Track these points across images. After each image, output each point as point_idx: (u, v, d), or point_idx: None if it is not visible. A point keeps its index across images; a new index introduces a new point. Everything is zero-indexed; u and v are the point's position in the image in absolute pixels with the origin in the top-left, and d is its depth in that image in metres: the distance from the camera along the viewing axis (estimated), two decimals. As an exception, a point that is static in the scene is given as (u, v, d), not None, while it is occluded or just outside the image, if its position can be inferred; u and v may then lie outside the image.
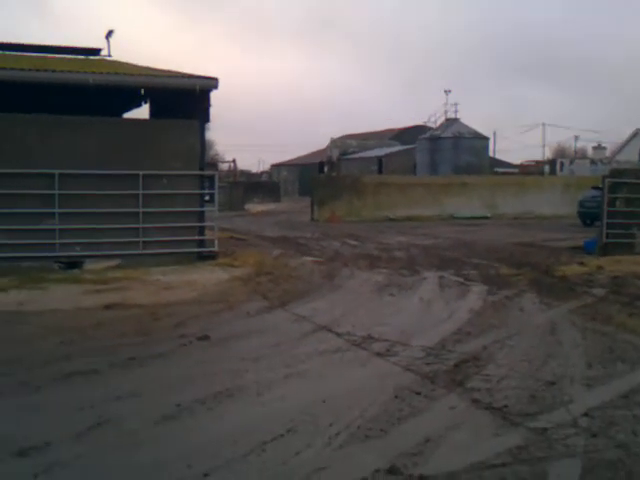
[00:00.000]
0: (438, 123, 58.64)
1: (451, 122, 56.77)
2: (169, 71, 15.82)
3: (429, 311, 10.27)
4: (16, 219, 13.13)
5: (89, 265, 13.54)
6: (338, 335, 8.56)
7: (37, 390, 6.30)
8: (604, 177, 18.70)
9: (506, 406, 5.89)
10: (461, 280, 13.07)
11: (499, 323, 9.32)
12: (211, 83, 14.71)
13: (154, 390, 6.42)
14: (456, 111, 57.42)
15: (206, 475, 4.51)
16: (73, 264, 13.50)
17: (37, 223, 13.36)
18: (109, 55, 20.66)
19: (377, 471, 4.58)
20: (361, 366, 7.25)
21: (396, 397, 6.13)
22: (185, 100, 14.84)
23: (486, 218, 34.93)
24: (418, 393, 6.25)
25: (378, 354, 7.67)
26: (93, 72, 14.16)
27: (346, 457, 4.86)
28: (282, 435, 5.21)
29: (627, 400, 6.11)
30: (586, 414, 5.70)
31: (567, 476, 4.61)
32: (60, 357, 7.40)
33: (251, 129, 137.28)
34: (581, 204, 29.83)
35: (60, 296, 10.99)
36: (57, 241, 13.46)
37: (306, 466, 4.68)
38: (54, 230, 13.40)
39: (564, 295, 11.46)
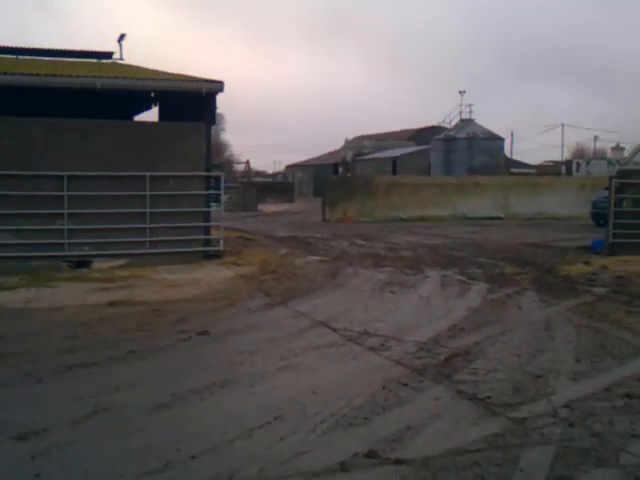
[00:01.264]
0: (453, 124, 58.80)
1: (466, 123, 56.89)
2: (176, 75, 16.13)
3: (427, 308, 10.45)
4: (26, 219, 13.48)
5: (97, 264, 13.85)
6: (335, 330, 8.79)
7: (39, 381, 6.58)
8: (611, 178, 18.78)
9: (489, 397, 6.09)
10: (464, 279, 13.22)
11: (495, 320, 9.49)
12: (217, 86, 15.01)
13: (151, 381, 6.69)
14: (471, 112, 57.56)
15: (193, 457, 4.76)
16: (82, 263, 13.82)
17: (47, 223, 13.70)
18: (121, 58, 21.07)
19: (356, 455, 4.81)
20: (353, 360, 7.47)
21: (383, 388, 6.35)
22: (192, 103, 15.14)
23: (499, 219, 34.93)
24: (405, 385, 6.47)
25: (371, 349, 7.89)
26: (101, 76, 14.44)
27: (328, 442, 5.09)
28: (269, 422, 5.45)
29: (609, 393, 6.28)
30: (567, 405, 5.88)
31: (538, 461, 4.78)
32: (63, 350, 7.69)
33: (267, 130, 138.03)
34: (594, 205, 29.78)
35: (67, 294, 11.31)
36: (66, 241, 13.81)
37: (289, 450, 4.91)
38: (63, 230, 13.76)
39: (564, 294, 11.60)
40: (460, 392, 6.26)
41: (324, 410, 5.71)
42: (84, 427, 5.38)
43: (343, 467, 4.63)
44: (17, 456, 4.83)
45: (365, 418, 5.57)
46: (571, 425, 5.42)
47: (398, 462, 4.71)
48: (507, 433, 5.25)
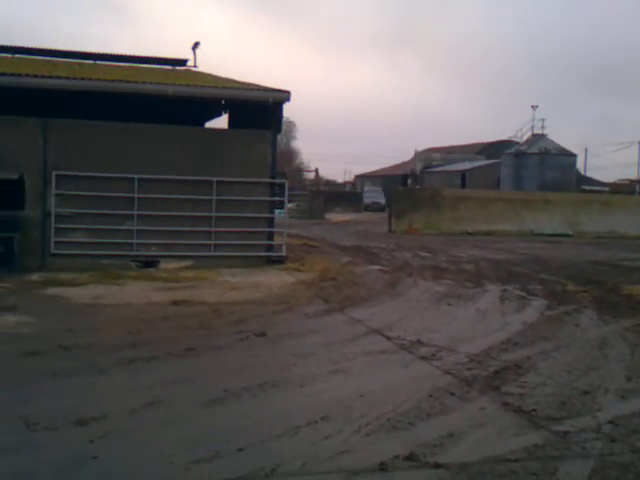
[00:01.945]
0: (524, 139, 58.06)
1: (537, 138, 56.07)
2: (246, 83, 16.56)
3: (483, 321, 10.49)
4: (97, 219, 14.16)
5: (164, 264, 14.36)
6: (388, 338, 8.95)
7: (102, 372, 6.97)
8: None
9: (535, 410, 6.15)
10: (523, 294, 13.16)
11: (550, 336, 9.47)
12: (283, 96, 15.38)
13: (206, 377, 6.99)
14: (543, 127, 56.69)
15: (240, 450, 5.00)
16: (149, 263, 14.36)
17: (117, 224, 14.29)
18: (195, 65, 21.65)
19: (396, 457, 4.96)
20: (404, 367, 7.62)
21: (430, 396, 6.48)
22: (260, 111, 15.53)
23: (568, 236, 34.34)
24: (452, 394, 6.59)
25: (423, 357, 8.02)
26: (173, 84, 14.99)
27: (371, 443, 5.26)
28: (316, 422, 5.66)
29: (657, 411, 6.27)
30: (611, 422, 5.90)
31: (576, 474, 4.86)
32: (126, 345, 8.08)
33: (339, 139, 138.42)
34: (666, 224, 29.18)
35: (134, 292, 11.80)
36: (135, 241, 14.40)
37: (332, 449, 5.11)
38: (132, 230, 14.33)
39: (624, 313, 11.45)
40: (506, 404, 6.34)
41: (370, 413, 5.88)
42: (140, 416, 5.70)
43: (382, 467, 4.80)
44: (76, 439, 5.15)
45: (409, 423, 5.72)
46: (613, 441, 5.46)
47: (437, 466, 4.85)
48: (548, 445, 5.32)
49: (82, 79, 14.67)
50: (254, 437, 5.27)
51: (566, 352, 8.55)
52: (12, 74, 14.32)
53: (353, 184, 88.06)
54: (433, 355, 8.14)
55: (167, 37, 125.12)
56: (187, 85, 15.43)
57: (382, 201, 58.25)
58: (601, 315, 11.22)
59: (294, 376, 7.05)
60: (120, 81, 14.83)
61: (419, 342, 8.75)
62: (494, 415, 6.06)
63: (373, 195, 62.57)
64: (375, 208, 57.18)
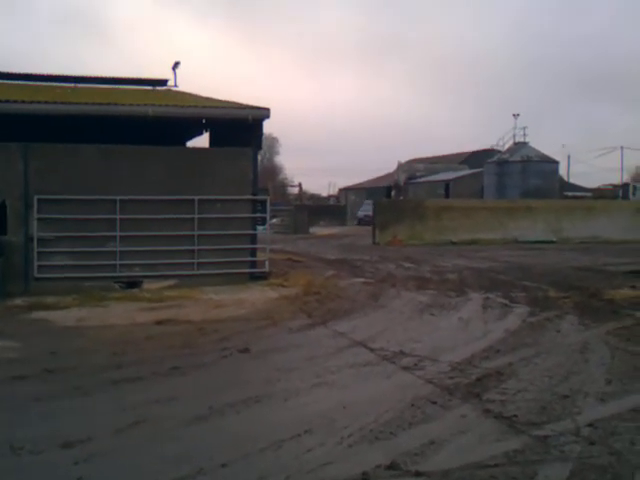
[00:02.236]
0: (507, 147, 58.49)
1: (519, 146, 56.48)
2: (226, 102, 16.68)
3: (465, 330, 10.59)
4: (80, 242, 14.20)
5: (147, 285, 14.40)
6: (371, 350, 9.03)
7: (86, 394, 7.01)
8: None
9: (515, 416, 6.24)
10: (506, 302, 13.28)
11: (531, 342, 9.58)
12: (262, 113, 15.54)
13: (191, 395, 7.04)
14: (525, 135, 57.14)
15: (224, 465, 5.08)
16: (132, 284, 14.40)
17: (99, 245, 14.34)
18: (175, 85, 21.74)
19: (378, 466, 5.05)
20: (386, 378, 7.70)
21: (412, 405, 6.57)
22: (240, 129, 15.65)
23: (551, 242, 34.57)
24: (434, 402, 6.68)
25: (405, 368, 8.11)
26: (153, 104, 15.11)
27: (353, 454, 5.34)
28: (299, 435, 5.74)
29: (635, 413, 6.37)
30: (590, 425, 6.00)
31: (554, 477, 4.94)
32: (111, 366, 8.12)
33: (322, 153, 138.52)
34: (648, 228, 29.50)
35: (117, 313, 11.84)
36: (118, 262, 14.43)
37: (315, 461, 5.19)
38: (115, 252, 14.38)
39: (605, 317, 11.57)
40: (487, 410, 6.43)
41: (352, 424, 5.96)
42: (125, 436, 5.75)
43: (365, 477, 4.87)
44: (61, 462, 5.20)
45: (391, 433, 5.80)
46: (592, 443, 5.55)
47: (418, 474, 4.93)
48: (527, 450, 5.41)
49: (62, 103, 14.74)
50: (238, 452, 5.33)
51: (547, 358, 8.65)
52: (-9, 100, 14.37)
53: (337, 197, 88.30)
54: (415, 365, 8.22)
55: (147, 57, 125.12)
56: (167, 105, 15.55)
57: None
58: (582, 320, 11.34)
59: (278, 391, 7.12)
60: (100, 104, 14.91)
61: (402, 353, 8.84)
62: (475, 422, 6.15)
63: (367, 208, 62.12)
64: (368, 222, 57.00)
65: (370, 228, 38.84)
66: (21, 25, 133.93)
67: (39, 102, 14.48)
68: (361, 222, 56.29)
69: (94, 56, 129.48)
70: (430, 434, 5.77)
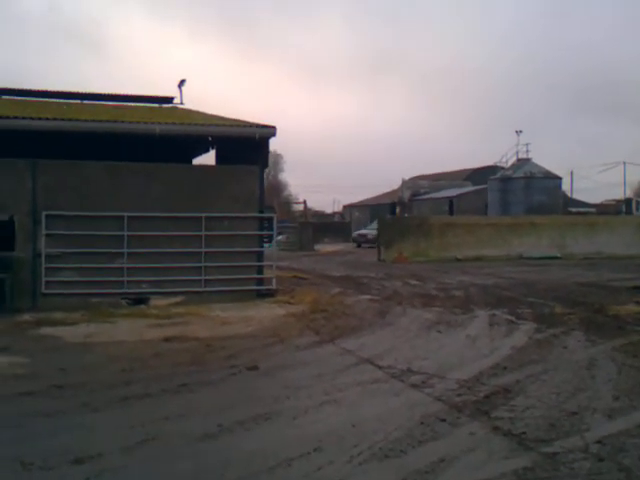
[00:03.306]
0: (510, 163, 58.60)
1: (523, 162, 56.54)
2: (232, 119, 16.81)
3: (472, 347, 10.60)
4: (88, 258, 14.28)
5: (154, 301, 14.45)
6: (379, 368, 9.05)
7: (96, 410, 7.03)
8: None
9: (524, 433, 6.25)
10: (512, 318, 13.29)
11: (538, 359, 9.59)
12: (269, 131, 15.66)
13: (200, 412, 7.04)
14: (527, 151, 57.22)
15: (235, 483, 5.08)
16: (140, 300, 14.46)
17: (107, 262, 14.41)
18: (181, 103, 21.93)
19: (389, 484, 5.05)
20: (395, 396, 7.70)
21: (421, 423, 6.58)
22: (247, 146, 15.76)
23: (556, 258, 34.58)
24: (443, 420, 6.69)
25: (413, 385, 8.12)
26: (160, 123, 15.22)
27: (363, 473, 5.35)
28: (309, 453, 5.74)
29: (644, 430, 6.38)
30: (599, 441, 6.01)
31: (565, 494, 4.96)
32: (119, 383, 8.16)
33: (327, 170, 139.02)
34: (652, 244, 29.51)
35: (125, 329, 11.89)
36: (125, 279, 14.52)
37: (325, 479, 5.18)
38: (123, 268, 14.45)
39: (611, 333, 11.59)
40: (496, 428, 6.43)
41: (362, 442, 5.97)
42: (135, 453, 5.77)
43: (375, 495, 4.89)
44: (72, 478, 5.22)
45: (401, 450, 5.81)
46: (601, 460, 5.56)
47: (428, 492, 4.94)
48: (537, 467, 5.42)
49: (70, 120, 14.87)
50: (248, 470, 5.35)
51: (554, 374, 8.66)
52: (0, 116, 14.49)
53: (342, 214, 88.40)
54: (423, 383, 8.23)
55: (152, 75, 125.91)
56: (174, 123, 15.66)
57: None
58: (589, 336, 11.35)
59: (286, 408, 7.13)
60: (108, 121, 15.03)
61: (409, 370, 8.85)
62: (484, 439, 6.15)
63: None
64: (362, 241, 55.37)
65: (368, 247, 39.02)
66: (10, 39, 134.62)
67: (47, 119, 14.60)
68: (355, 241, 52.15)
69: (93, 73, 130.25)
70: (440, 452, 5.78)
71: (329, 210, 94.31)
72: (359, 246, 49.27)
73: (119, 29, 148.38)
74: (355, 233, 53.12)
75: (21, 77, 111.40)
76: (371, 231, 48.22)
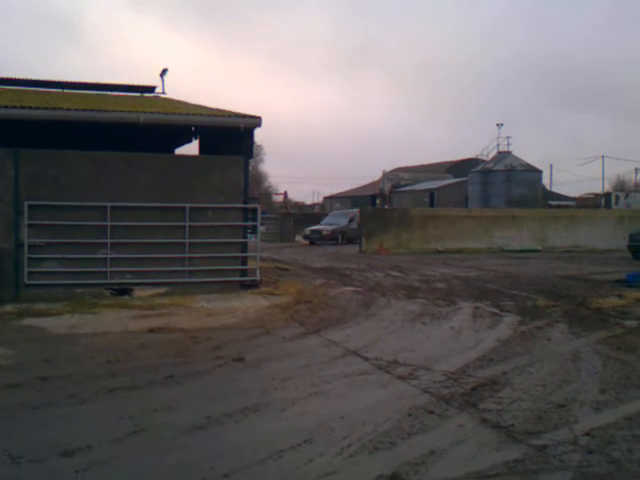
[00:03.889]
0: (490, 156, 58.89)
1: (503, 155, 56.92)
2: (216, 109, 16.69)
3: (457, 339, 10.65)
4: (71, 249, 14.11)
5: (138, 292, 14.35)
6: (365, 359, 9.05)
7: (83, 402, 6.97)
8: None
9: (512, 425, 6.29)
10: (496, 311, 13.36)
11: (523, 351, 9.66)
12: (254, 122, 15.57)
13: (187, 404, 7.00)
14: (508, 144, 57.60)
15: (226, 475, 5.06)
16: (123, 291, 14.35)
17: (90, 252, 14.28)
18: (163, 92, 21.81)
19: (380, 477, 5.06)
20: (382, 388, 7.71)
21: (410, 415, 6.59)
22: (231, 137, 15.66)
23: (536, 251, 34.85)
24: (431, 412, 6.70)
25: (400, 377, 8.13)
26: (144, 112, 15.09)
27: (354, 465, 5.35)
28: (299, 445, 5.73)
29: (630, 422, 6.44)
30: (588, 434, 6.05)
31: (555, 486, 5.00)
32: (105, 374, 8.09)
33: (306, 161, 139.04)
34: (631, 238, 29.75)
35: (109, 320, 11.79)
36: (109, 269, 14.39)
37: (316, 471, 5.19)
38: (106, 259, 14.34)
39: (595, 326, 11.69)
40: (484, 420, 6.46)
41: (351, 434, 5.97)
42: (124, 445, 5.72)
43: (367, 487, 4.89)
44: (62, 471, 5.18)
45: (390, 442, 5.82)
46: (590, 452, 5.60)
47: (419, 484, 4.95)
48: (527, 459, 5.45)
49: (54, 109, 14.68)
50: (238, 462, 5.32)
51: (540, 366, 8.71)
52: (-20, 106, 14.29)
53: (322, 205, 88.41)
54: (410, 374, 8.25)
55: (132, 64, 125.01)
56: (158, 112, 15.54)
57: None
58: (572, 329, 11.44)
59: (274, 400, 7.11)
60: (92, 110, 14.86)
61: (396, 362, 8.87)
62: (473, 431, 6.17)
63: (331, 220, 54.83)
64: (316, 239, 43.99)
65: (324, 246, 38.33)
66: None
67: (30, 107, 14.40)
68: (307, 238, 43.85)
69: (74, 62, 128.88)
70: (429, 444, 5.80)
71: (309, 201, 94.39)
72: (312, 243, 42.37)
73: (100, 17, 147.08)
74: (307, 229, 44.49)
75: (1, 65, 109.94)
76: (327, 227, 43.55)
